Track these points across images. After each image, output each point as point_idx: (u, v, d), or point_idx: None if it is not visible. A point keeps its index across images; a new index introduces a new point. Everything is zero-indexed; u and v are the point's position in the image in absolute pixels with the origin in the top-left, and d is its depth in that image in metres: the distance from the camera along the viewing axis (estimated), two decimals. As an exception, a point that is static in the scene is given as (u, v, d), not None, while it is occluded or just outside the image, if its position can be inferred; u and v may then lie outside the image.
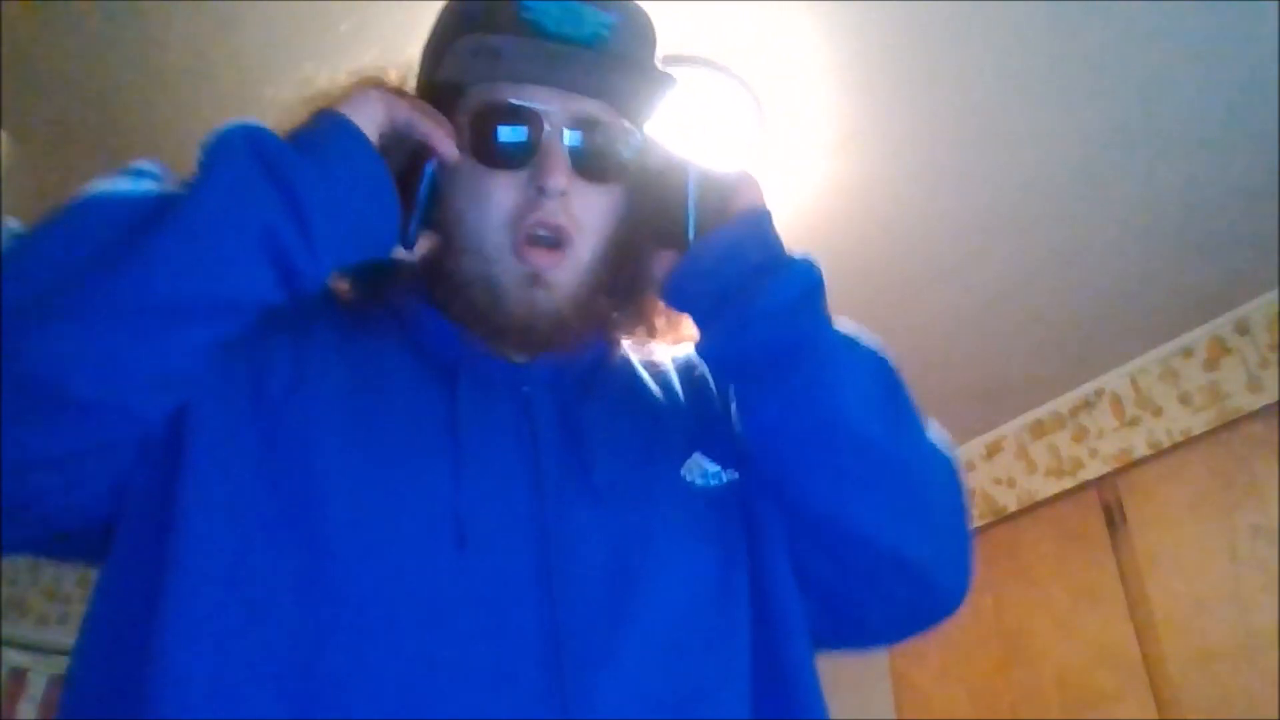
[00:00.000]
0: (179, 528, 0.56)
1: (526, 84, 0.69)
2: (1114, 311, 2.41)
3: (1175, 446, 2.41)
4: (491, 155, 0.69)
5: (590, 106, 0.71)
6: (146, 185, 0.58)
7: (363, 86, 0.68)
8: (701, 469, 0.72)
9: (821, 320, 0.69)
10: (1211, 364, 2.43)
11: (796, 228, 1.93)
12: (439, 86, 0.73)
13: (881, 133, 1.93)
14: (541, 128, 0.69)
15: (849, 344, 0.70)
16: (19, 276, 0.54)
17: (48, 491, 0.57)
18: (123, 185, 0.58)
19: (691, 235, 0.71)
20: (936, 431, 0.74)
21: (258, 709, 0.53)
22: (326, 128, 0.63)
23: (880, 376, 0.70)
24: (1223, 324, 2.42)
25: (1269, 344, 2.33)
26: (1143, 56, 1.77)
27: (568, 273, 0.70)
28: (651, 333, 0.80)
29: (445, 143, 0.69)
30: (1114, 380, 2.58)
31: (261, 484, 0.59)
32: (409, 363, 0.69)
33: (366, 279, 0.72)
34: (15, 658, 3.60)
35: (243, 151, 0.57)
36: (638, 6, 0.75)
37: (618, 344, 0.79)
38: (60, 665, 3.67)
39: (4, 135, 1.89)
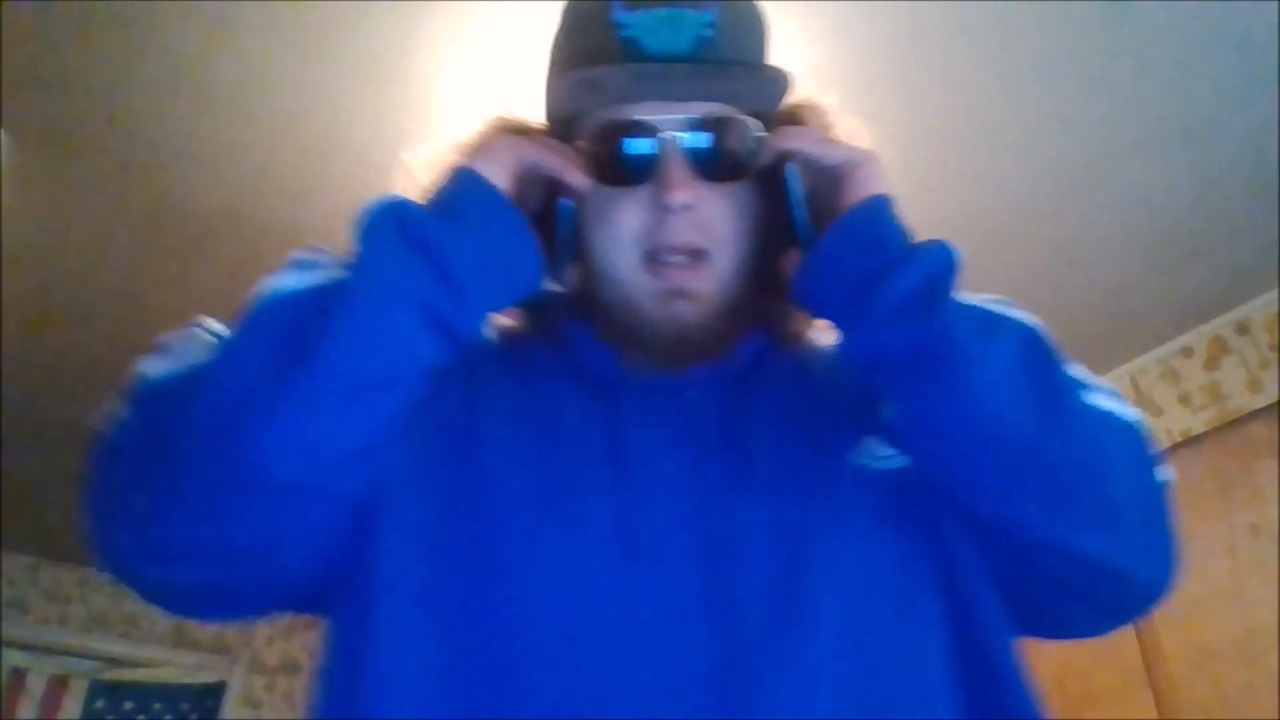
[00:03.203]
0: (375, 575, 0.61)
1: (637, 102, 0.69)
2: (1114, 311, 2.41)
3: (1175, 446, 2.41)
4: (610, 175, 0.69)
5: (704, 109, 0.69)
6: (310, 277, 0.62)
7: (492, 134, 0.70)
8: (873, 452, 0.68)
9: (948, 312, 0.61)
10: (1211, 364, 2.43)
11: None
12: (559, 121, 0.73)
13: (877, 135, 1.93)
14: (655, 140, 0.67)
15: (985, 329, 0.62)
16: (216, 386, 0.58)
17: (248, 577, 0.62)
18: (289, 281, 0.62)
19: (801, 234, 0.68)
20: (1109, 397, 0.66)
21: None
22: (460, 186, 0.65)
23: (1026, 356, 0.62)
24: (1223, 324, 2.42)
25: (1269, 344, 2.33)
26: (1141, 56, 1.78)
27: (709, 282, 0.69)
28: (797, 329, 0.76)
29: (574, 174, 0.69)
30: (1113, 379, 2.58)
31: (444, 523, 0.63)
32: (572, 388, 0.71)
33: (528, 315, 0.75)
34: (15, 658, 3.60)
35: (389, 229, 0.60)
36: (743, 14, 0.73)
37: (782, 337, 0.76)
38: (60, 665, 3.67)
39: (3, 135, 1.89)
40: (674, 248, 0.68)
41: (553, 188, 0.70)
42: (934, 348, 0.60)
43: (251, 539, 0.59)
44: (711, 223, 0.69)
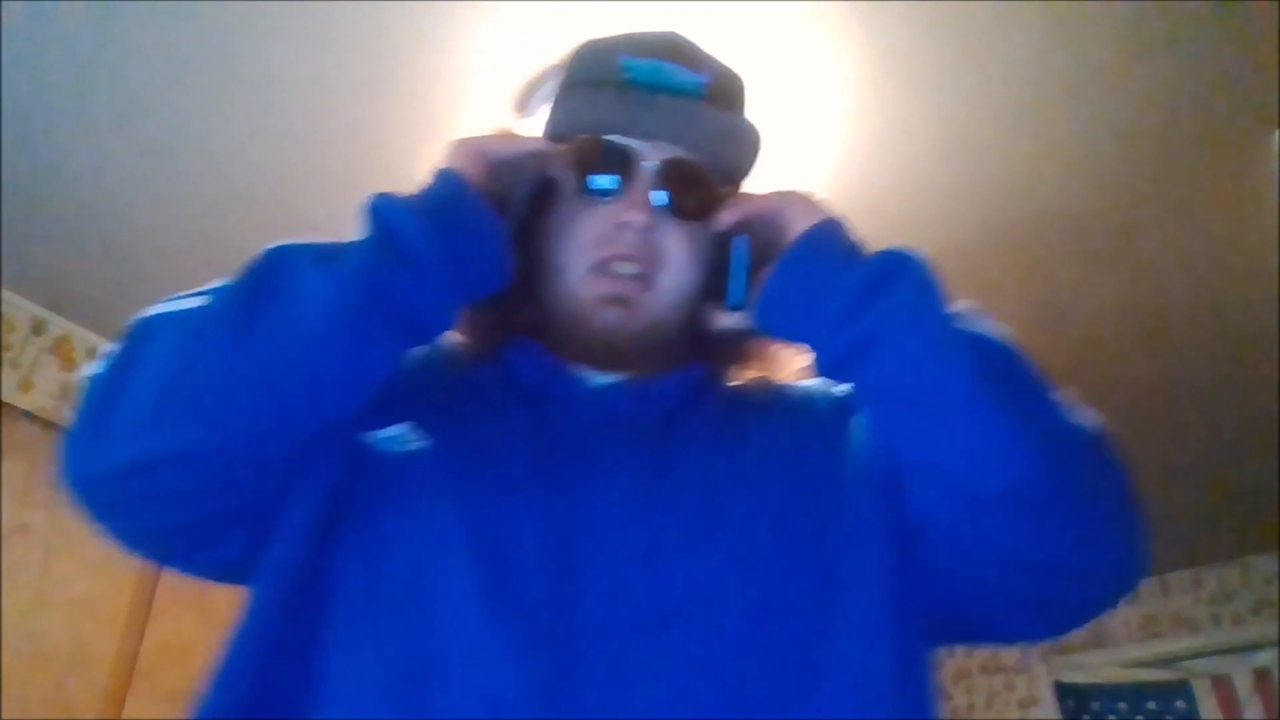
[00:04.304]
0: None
1: (622, 131, 0.77)
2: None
3: None
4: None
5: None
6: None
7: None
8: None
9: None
10: None
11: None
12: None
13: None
14: (630, 166, 0.75)
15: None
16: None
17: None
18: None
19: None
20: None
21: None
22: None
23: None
24: None
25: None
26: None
27: (650, 299, 0.75)
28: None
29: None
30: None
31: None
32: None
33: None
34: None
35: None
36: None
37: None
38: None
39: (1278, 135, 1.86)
40: (623, 259, 0.74)
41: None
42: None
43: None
44: (663, 249, 0.76)
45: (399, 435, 0.69)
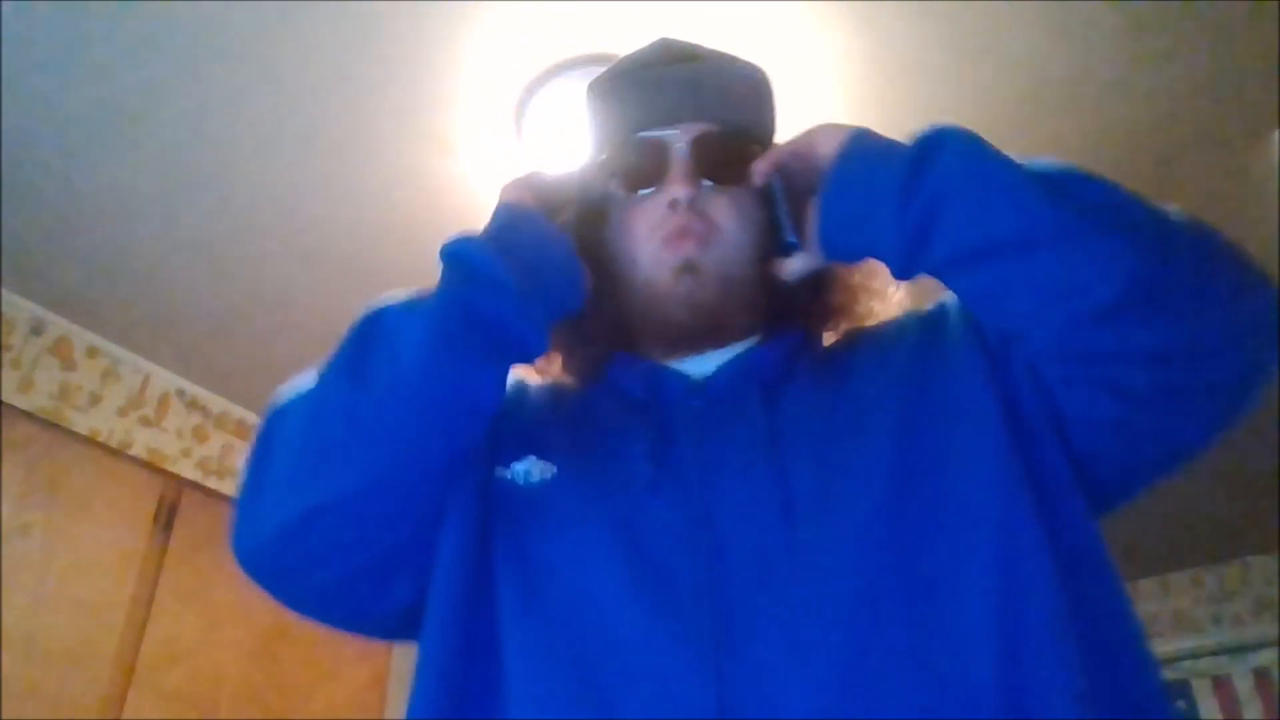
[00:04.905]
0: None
1: (648, 123, 0.83)
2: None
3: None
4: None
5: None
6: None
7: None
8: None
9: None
10: None
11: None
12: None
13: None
14: (663, 153, 0.81)
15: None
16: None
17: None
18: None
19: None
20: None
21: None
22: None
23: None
24: None
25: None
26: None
27: (715, 260, 0.79)
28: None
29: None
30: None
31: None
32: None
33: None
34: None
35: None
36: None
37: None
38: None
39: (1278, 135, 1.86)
40: (681, 230, 0.79)
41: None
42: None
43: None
44: (714, 213, 0.80)
45: (527, 468, 0.74)
